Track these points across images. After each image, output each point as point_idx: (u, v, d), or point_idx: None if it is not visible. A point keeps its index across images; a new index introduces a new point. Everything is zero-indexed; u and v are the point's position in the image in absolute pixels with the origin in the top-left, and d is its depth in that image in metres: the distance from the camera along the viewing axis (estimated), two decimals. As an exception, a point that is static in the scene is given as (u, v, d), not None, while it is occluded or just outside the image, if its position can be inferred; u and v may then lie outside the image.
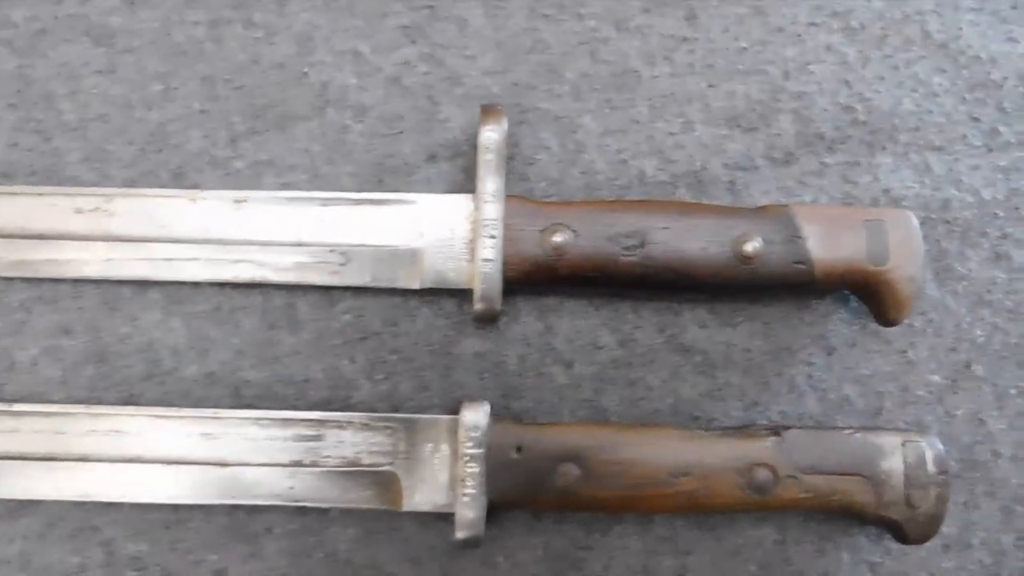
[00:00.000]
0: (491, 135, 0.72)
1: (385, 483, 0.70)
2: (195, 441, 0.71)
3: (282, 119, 0.77)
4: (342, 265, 0.73)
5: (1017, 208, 0.78)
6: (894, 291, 0.71)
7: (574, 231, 0.71)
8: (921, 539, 0.70)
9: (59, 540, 0.73)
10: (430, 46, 0.78)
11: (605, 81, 0.79)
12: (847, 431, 0.71)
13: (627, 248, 0.71)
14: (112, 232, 0.73)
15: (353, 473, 0.70)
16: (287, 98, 0.77)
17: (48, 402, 0.74)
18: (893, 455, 0.70)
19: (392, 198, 0.73)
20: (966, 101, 0.80)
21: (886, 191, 0.78)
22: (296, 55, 0.78)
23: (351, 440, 0.71)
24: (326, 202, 0.73)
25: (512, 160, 0.76)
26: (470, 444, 0.69)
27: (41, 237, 0.73)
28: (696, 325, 0.76)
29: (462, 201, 0.73)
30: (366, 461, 0.70)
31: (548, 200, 0.74)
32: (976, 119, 0.79)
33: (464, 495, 0.68)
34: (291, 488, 0.71)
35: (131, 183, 0.76)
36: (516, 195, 0.73)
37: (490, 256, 0.70)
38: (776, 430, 0.71)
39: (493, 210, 0.71)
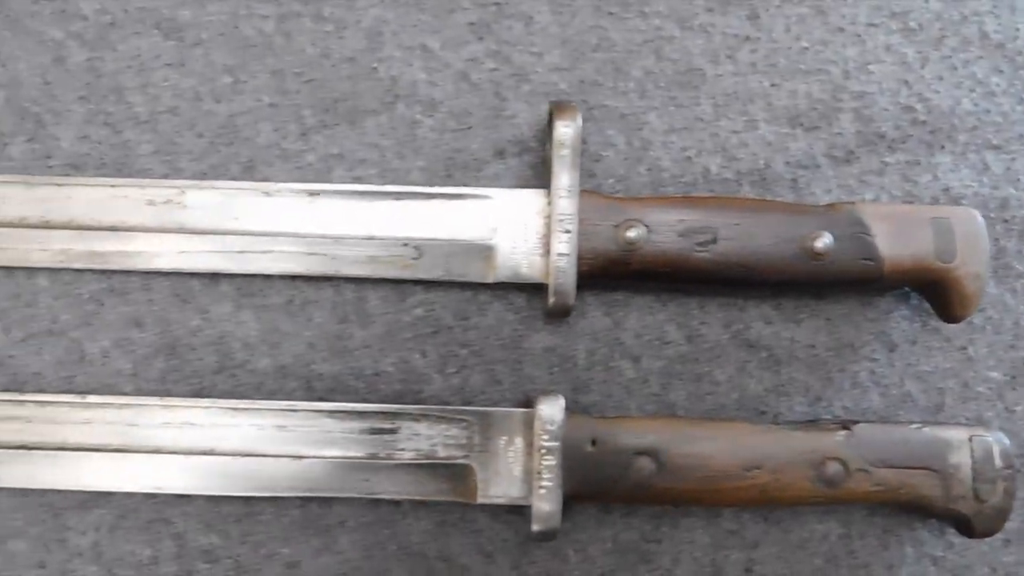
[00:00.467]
0: (566, 130, 0.72)
1: (460, 476, 0.71)
2: (269, 434, 0.71)
3: (352, 113, 0.77)
4: (415, 259, 0.73)
5: (1074, 207, 0.80)
6: (960, 288, 0.72)
7: (647, 226, 0.71)
8: (988, 533, 0.71)
9: (131, 532, 0.73)
10: (497, 43, 0.79)
11: (670, 79, 0.79)
12: (915, 426, 0.72)
13: (699, 244, 0.71)
14: (184, 224, 0.73)
15: (428, 466, 0.71)
16: (357, 92, 0.77)
17: (119, 394, 0.73)
18: (961, 449, 0.71)
19: (466, 192, 0.74)
20: (1024, 101, 0.81)
21: (945, 190, 0.79)
22: (365, 49, 0.78)
23: (426, 433, 0.71)
24: (399, 196, 0.73)
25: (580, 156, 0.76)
26: (546, 437, 0.69)
27: (113, 229, 0.73)
28: (761, 321, 0.77)
29: (535, 196, 0.73)
30: (441, 454, 0.71)
31: (620, 196, 0.75)
32: (1034, 119, 0.81)
33: (541, 488, 0.69)
34: (366, 481, 0.71)
35: (201, 176, 0.76)
36: (589, 190, 0.74)
37: (565, 251, 0.71)
38: (845, 424, 0.72)
39: (568, 205, 0.71)
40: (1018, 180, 0.80)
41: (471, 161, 0.77)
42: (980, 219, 0.72)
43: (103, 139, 0.76)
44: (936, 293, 0.73)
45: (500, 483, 0.70)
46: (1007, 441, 0.71)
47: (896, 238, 0.72)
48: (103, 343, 0.74)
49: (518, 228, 0.73)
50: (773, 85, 0.80)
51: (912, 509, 0.73)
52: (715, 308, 0.77)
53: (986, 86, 0.81)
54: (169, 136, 0.76)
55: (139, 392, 0.74)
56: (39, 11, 0.77)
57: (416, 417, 0.71)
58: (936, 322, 0.77)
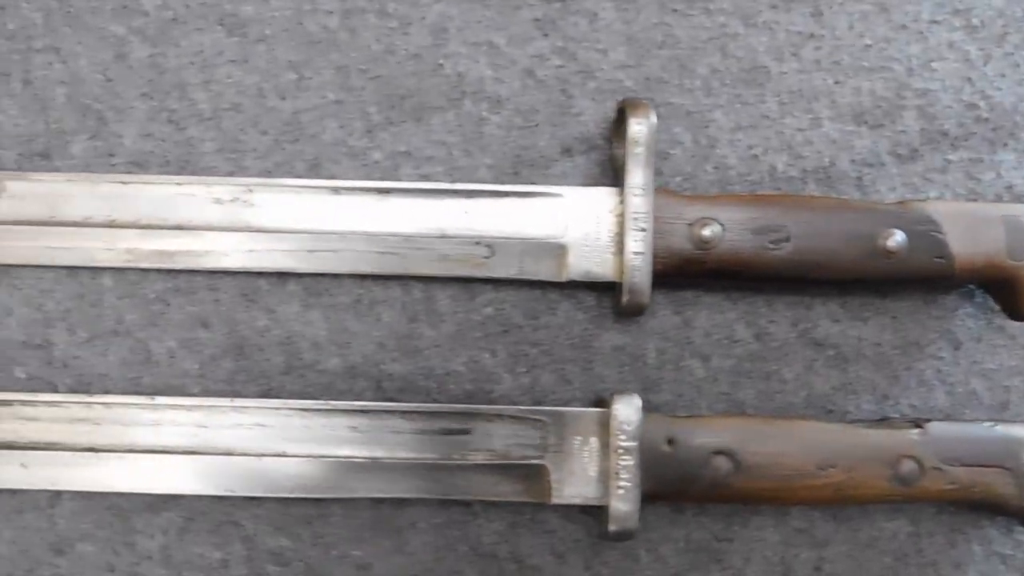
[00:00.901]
0: (640, 128, 0.72)
1: (535, 476, 0.70)
2: (342, 435, 0.70)
3: (418, 110, 0.76)
4: (486, 258, 0.72)
5: None
6: (1031, 286, 0.72)
7: (721, 225, 0.71)
8: (1061, 531, 0.72)
9: (200, 535, 0.72)
10: (562, 39, 0.78)
11: (735, 76, 0.79)
12: (987, 424, 0.72)
13: (773, 242, 0.71)
14: (252, 223, 0.72)
15: (502, 466, 0.70)
16: (423, 89, 0.77)
17: (186, 395, 0.72)
18: (1033, 447, 0.71)
19: (537, 191, 0.73)
20: (1086, 99, 0.81)
21: (1009, 187, 0.79)
22: (431, 46, 0.77)
23: (500, 433, 0.70)
24: (470, 194, 0.73)
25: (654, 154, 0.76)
26: (624, 437, 0.69)
27: (179, 228, 0.72)
28: (828, 319, 0.77)
29: (607, 194, 0.73)
30: (516, 454, 0.70)
31: (693, 194, 0.75)
32: (1096, 117, 0.81)
33: (619, 488, 0.68)
34: (439, 482, 0.70)
35: (266, 174, 0.75)
36: (662, 188, 0.73)
37: (640, 249, 0.70)
38: (917, 422, 0.72)
39: (642, 203, 0.71)
40: (1081, 178, 0.80)
41: (538, 159, 0.77)
42: (1051, 216, 0.73)
43: (166, 136, 0.75)
44: (1005, 291, 0.73)
45: (575, 483, 0.70)
46: (1079, 439, 0.71)
47: (967, 236, 0.72)
48: (169, 343, 0.73)
49: (590, 226, 0.72)
50: (837, 83, 0.80)
51: (983, 507, 0.73)
52: (782, 306, 0.77)
53: (1049, 84, 0.81)
54: (233, 133, 0.75)
55: (206, 393, 0.73)
56: (100, 6, 0.76)
57: (490, 418, 0.71)
58: (1001, 319, 0.77)
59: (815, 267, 0.72)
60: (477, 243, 0.72)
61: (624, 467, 0.69)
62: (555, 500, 0.70)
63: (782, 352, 0.76)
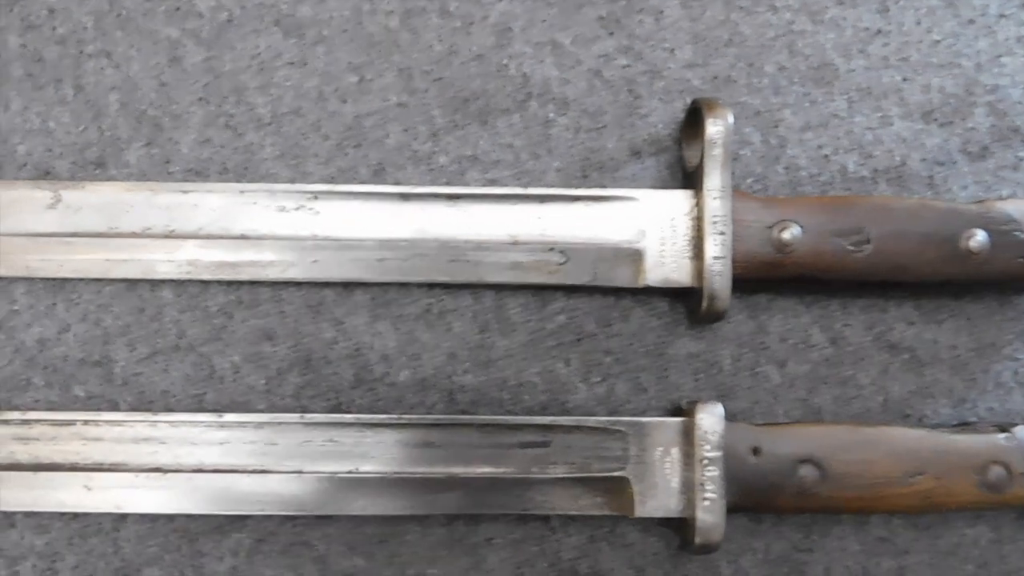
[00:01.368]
0: (716, 129, 0.70)
1: (617, 489, 0.68)
2: (416, 451, 0.68)
3: (483, 112, 0.74)
4: (561, 264, 0.70)
5: None
6: (1112, 286, 0.71)
7: (801, 227, 0.69)
8: None
9: (271, 556, 0.69)
10: (628, 38, 0.76)
11: (803, 75, 0.77)
12: (1073, 427, 0.71)
13: (854, 244, 0.69)
14: (317, 232, 0.70)
15: (583, 479, 0.68)
16: (487, 91, 0.74)
17: (253, 411, 0.70)
18: (1119, 451, 0.70)
19: (611, 194, 0.71)
20: None
21: (1081, 185, 0.78)
22: (494, 46, 0.75)
23: (579, 445, 0.68)
24: (543, 199, 0.70)
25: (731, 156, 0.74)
26: (708, 447, 0.67)
27: (243, 238, 0.69)
28: (903, 322, 0.75)
29: (683, 197, 0.71)
30: (596, 467, 0.68)
31: (772, 196, 0.73)
32: None
33: (704, 500, 0.66)
34: (519, 497, 0.68)
35: (328, 180, 0.72)
36: (740, 191, 0.71)
37: (719, 253, 0.68)
38: (1003, 427, 0.70)
39: (721, 206, 0.69)
40: None
41: (607, 161, 0.75)
42: None
43: (225, 143, 0.72)
44: (1084, 291, 0.72)
45: (658, 496, 0.68)
46: None
47: (1049, 235, 0.70)
48: (233, 358, 0.71)
49: (666, 231, 0.70)
50: (905, 79, 0.78)
51: (1070, 513, 0.72)
52: (857, 310, 0.75)
53: (1118, 77, 0.80)
54: (294, 138, 0.73)
55: (273, 409, 0.70)
56: (152, 8, 0.73)
57: (569, 429, 0.68)
58: (1076, 321, 0.76)
59: (896, 269, 0.70)
60: (551, 249, 0.70)
61: (709, 478, 0.67)
62: (638, 513, 0.68)
63: (857, 356, 0.75)
